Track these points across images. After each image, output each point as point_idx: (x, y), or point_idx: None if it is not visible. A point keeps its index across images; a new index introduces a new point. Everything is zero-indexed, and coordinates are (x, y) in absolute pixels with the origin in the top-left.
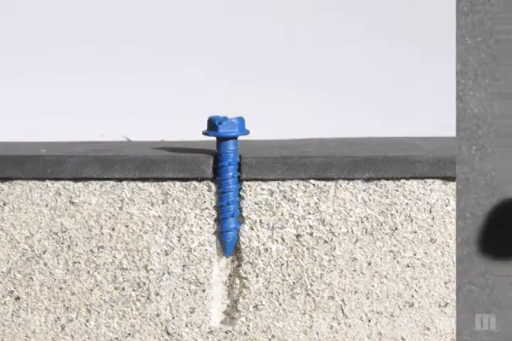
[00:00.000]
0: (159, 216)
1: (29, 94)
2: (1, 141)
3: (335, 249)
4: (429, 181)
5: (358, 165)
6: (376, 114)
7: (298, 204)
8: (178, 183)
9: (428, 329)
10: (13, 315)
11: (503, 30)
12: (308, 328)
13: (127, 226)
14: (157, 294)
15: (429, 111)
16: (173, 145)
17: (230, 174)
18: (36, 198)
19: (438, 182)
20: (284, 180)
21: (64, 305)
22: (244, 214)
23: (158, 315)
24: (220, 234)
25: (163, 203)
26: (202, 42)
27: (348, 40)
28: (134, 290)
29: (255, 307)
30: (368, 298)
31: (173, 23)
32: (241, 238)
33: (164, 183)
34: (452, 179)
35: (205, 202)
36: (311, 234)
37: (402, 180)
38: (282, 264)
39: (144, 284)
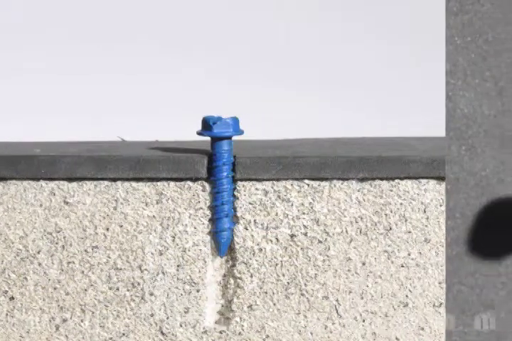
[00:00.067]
0: (153, 216)
1: (29, 94)
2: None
3: (329, 249)
4: (424, 181)
5: (353, 165)
6: (376, 114)
7: (292, 204)
8: (172, 183)
9: (422, 329)
10: (7, 315)
11: (493, 30)
12: (303, 328)
13: (121, 226)
14: (151, 294)
15: (428, 111)
16: (168, 145)
17: (225, 174)
18: (30, 198)
19: (432, 182)
20: (278, 180)
21: (58, 305)
22: (239, 214)
23: (152, 315)
24: (215, 234)
25: (157, 203)
26: (202, 42)
27: (348, 40)
28: (128, 290)
29: (249, 307)
30: (362, 298)
31: (173, 23)
32: (235, 238)
33: (158, 183)
34: None
35: (199, 202)
36: (306, 234)
37: (396, 180)
38: (276, 264)
39: (139, 284)
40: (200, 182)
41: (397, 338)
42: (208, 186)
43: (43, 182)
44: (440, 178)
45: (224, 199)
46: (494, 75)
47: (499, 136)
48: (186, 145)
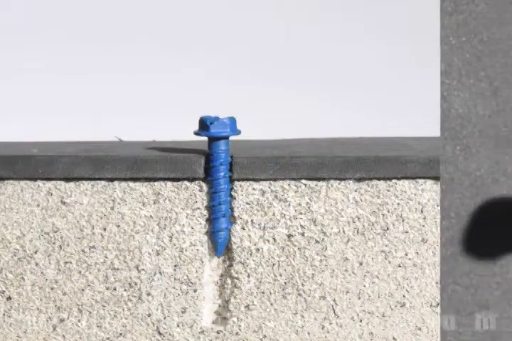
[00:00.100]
0: (151, 216)
1: (29, 94)
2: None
3: (326, 249)
4: (421, 181)
5: (350, 165)
6: (375, 114)
7: (289, 204)
8: (169, 183)
9: (419, 329)
10: (4, 315)
11: (487, 30)
12: (300, 328)
13: (119, 226)
14: (148, 294)
15: (428, 111)
16: (165, 145)
17: (222, 174)
18: (28, 198)
19: (429, 182)
20: (275, 180)
21: (55, 305)
22: (236, 214)
23: (149, 315)
24: (212, 234)
25: (154, 203)
26: (202, 42)
27: (348, 40)
28: (125, 290)
29: (247, 307)
30: (359, 298)
31: (173, 23)
32: (232, 238)
33: (156, 183)
34: None
35: (196, 202)
36: (303, 234)
37: (393, 180)
38: (274, 264)
39: (136, 284)
40: (197, 182)
41: (394, 338)
42: (205, 186)
43: (40, 182)
44: (437, 178)
45: (221, 199)
46: (489, 75)
47: (494, 136)
48: (183, 145)
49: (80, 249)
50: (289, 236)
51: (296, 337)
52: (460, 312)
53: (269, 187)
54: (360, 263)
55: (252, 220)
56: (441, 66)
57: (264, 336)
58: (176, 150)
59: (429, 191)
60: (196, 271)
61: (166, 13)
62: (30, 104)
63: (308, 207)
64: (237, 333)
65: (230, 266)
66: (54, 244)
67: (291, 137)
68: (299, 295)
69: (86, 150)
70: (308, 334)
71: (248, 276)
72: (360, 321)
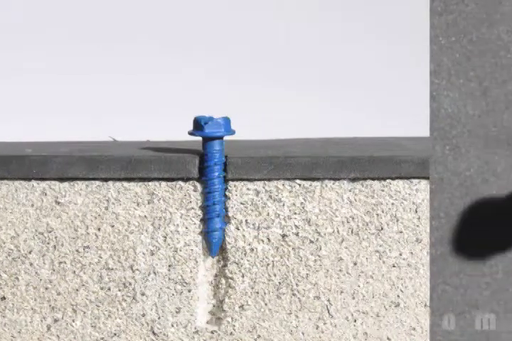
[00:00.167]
0: (145, 216)
1: (29, 94)
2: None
3: (321, 249)
4: (415, 181)
5: (344, 165)
6: (375, 114)
7: (284, 204)
8: (163, 183)
9: (414, 329)
10: None
11: (477, 30)
12: (294, 328)
13: (113, 226)
14: (143, 294)
15: (428, 111)
16: (159, 145)
17: (216, 174)
18: (22, 198)
19: (424, 182)
20: (269, 180)
21: (50, 305)
22: (230, 214)
23: (144, 315)
24: (206, 234)
25: (148, 203)
26: (202, 42)
27: (348, 40)
28: (119, 290)
29: (241, 307)
30: (353, 298)
31: (173, 23)
32: (227, 238)
33: (150, 183)
34: None
35: (190, 202)
36: (297, 234)
37: (387, 180)
38: (268, 264)
39: (130, 284)
40: (191, 182)
41: (388, 338)
42: (199, 186)
43: (34, 182)
44: None
45: (215, 199)
46: (478, 75)
47: (483, 136)
48: (178, 145)
49: (74, 249)
50: (284, 236)
51: (290, 337)
52: (450, 312)
53: (264, 187)
54: (355, 263)
55: (246, 220)
56: (431, 66)
57: (259, 336)
58: (170, 150)
59: (423, 191)
60: (190, 271)
61: (166, 13)
62: (29, 104)
63: (303, 207)
64: (231, 333)
65: (225, 266)
66: (48, 244)
67: (291, 137)
68: (294, 295)
69: (80, 150)
70: (303, 334)
71: (242, 276)
72: (355, 321)
